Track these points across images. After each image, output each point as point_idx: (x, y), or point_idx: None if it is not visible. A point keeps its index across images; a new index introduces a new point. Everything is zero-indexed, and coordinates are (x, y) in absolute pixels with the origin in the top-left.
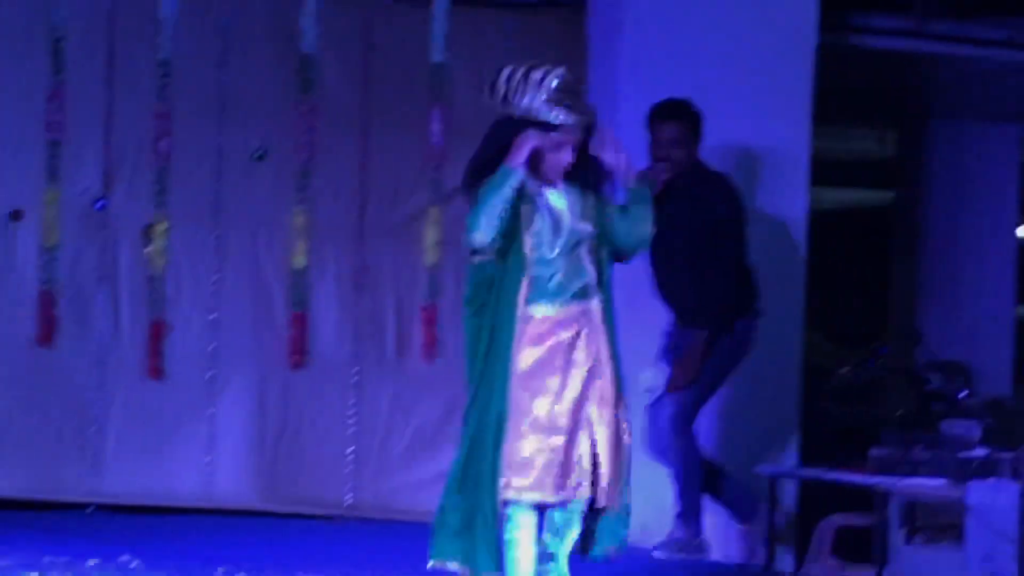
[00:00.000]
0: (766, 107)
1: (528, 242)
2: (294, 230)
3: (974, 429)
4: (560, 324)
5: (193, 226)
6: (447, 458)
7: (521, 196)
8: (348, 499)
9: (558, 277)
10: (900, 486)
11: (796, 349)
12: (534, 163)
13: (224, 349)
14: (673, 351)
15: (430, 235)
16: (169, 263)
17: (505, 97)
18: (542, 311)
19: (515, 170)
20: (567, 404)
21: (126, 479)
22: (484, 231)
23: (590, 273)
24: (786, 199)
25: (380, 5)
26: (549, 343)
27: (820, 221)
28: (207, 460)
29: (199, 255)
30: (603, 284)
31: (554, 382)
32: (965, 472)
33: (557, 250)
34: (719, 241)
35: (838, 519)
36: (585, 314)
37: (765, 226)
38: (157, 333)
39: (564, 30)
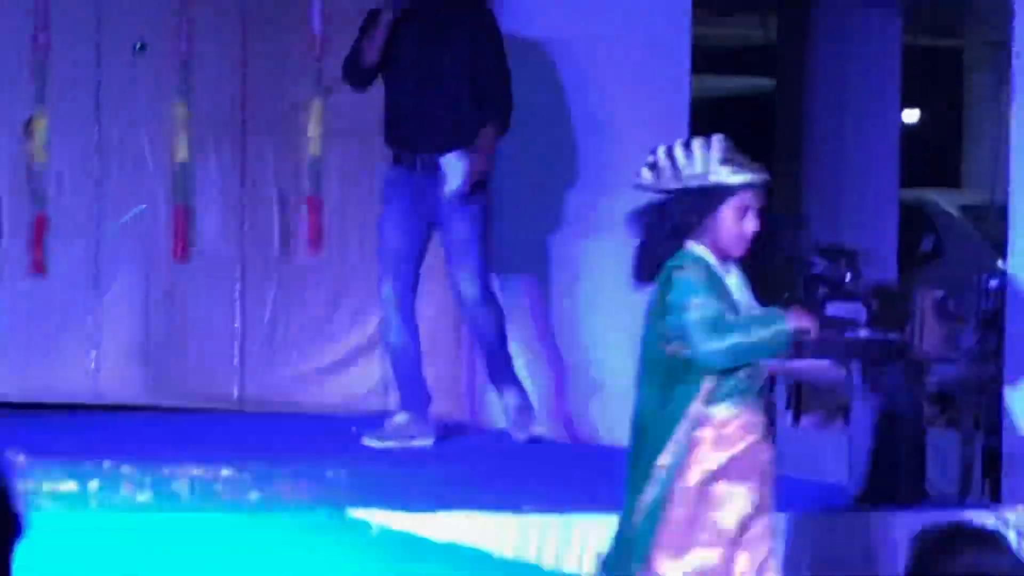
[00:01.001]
0: None
1: None
2: (175, 123)
3: (859, 312)
4: (746, 428)
5: (74, 120)
6: (333, 350)
7: (716, 280)
8: (235, 392)
9: (741, 375)
10: (786, 368)
11: None
12: (710, 232)
13: (107, 244)
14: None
15: (313, 126)
16: (50, 157)
17: (674, 170)
18: (725, 412)
19: (790, 338)
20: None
21: (10, 376)
22: (723, 364)
23: (764, 374)
24: (667, 87)
25: None
26: (736, 448)
27: (703, 109)
28: (92, 355)
29: (80, 149)
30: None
31: (741, 490)
32: (851, 353)
33: None
34: (491, 54)
35: None
36: (763, 421)
37: (647, 115)
38: (39, 228)
39: None
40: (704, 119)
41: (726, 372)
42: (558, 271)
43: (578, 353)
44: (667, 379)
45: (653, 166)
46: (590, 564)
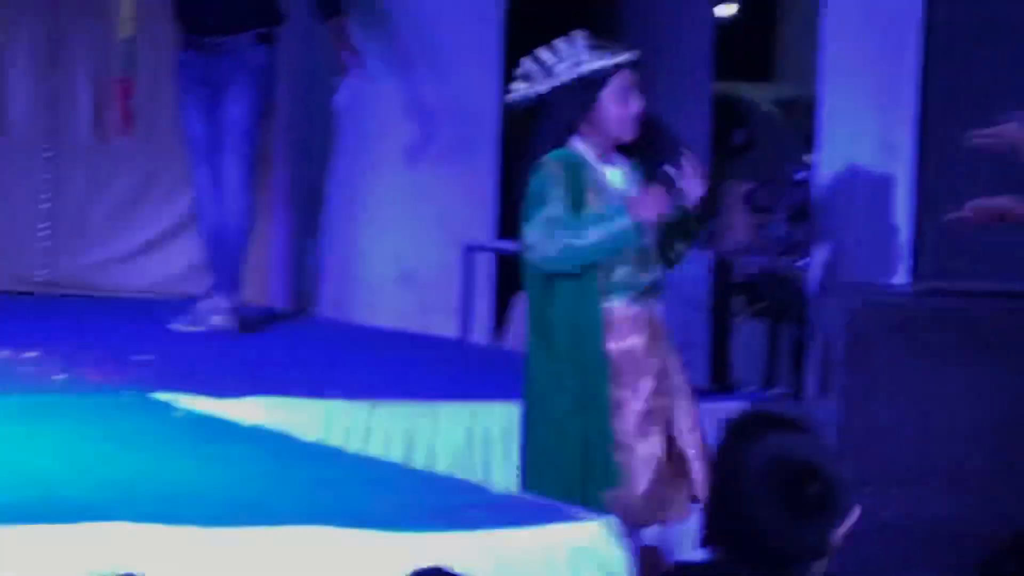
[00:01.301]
0: None
1: None
2: None
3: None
4: (636, 325)
5: None
6: (144, 233)
7: (583, 176)
8: (44, 274)
9: (626, 268)
10: None
11: (493, 122)
12: (597, 124)
13: None
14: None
15: (126, 6)
16: None
17: (544, 71)
18: (616, 305)
19: (638, 230)
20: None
21: None
22: (558, 267)
23: (657, 271)
24: None
25: None
26: (627, 344)
27: (519, 3)
28: None
29: None
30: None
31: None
32: None
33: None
34: None
35: None
36: (655, 319)
37: (458, 7)
38: None
39: None
40: (518, 12)
41: (609, 268)
42: (337, 162)
43: (360, 241)
44: (551, 279)
45: (524, 75)
46: (395, 448)
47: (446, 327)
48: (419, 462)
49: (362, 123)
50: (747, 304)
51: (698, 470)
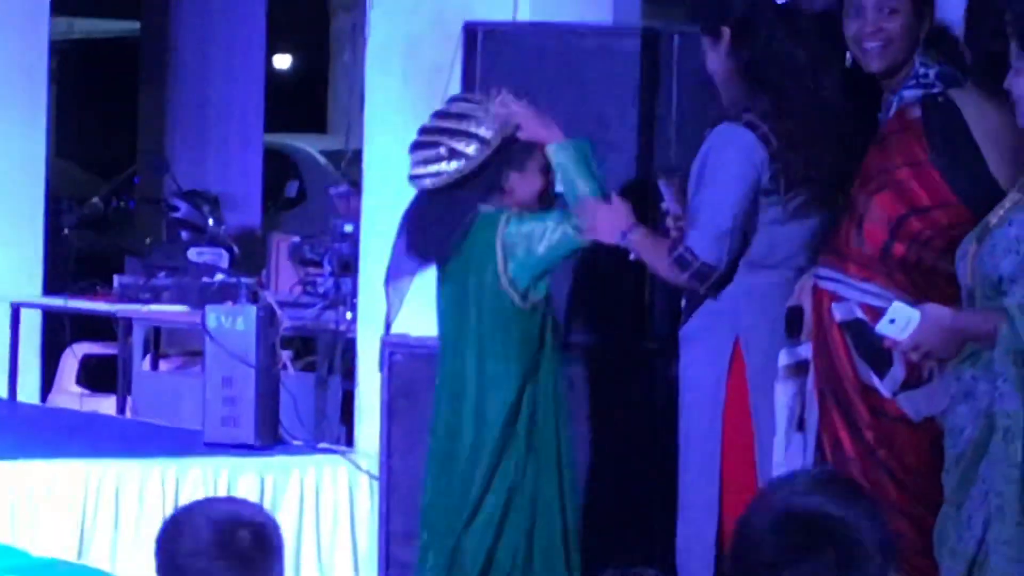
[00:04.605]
0: None
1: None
2: None
3: (221, 257)
4: None
5: None
6: None
7: None
8: None
9: None
10: (142, 313)
11: (39, 177)
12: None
13: None
14: None
15: None
16: None
17: (480, 144)
18: None
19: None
20: None
21: None
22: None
23: None
24: (26, 28)
25: None
26: None
27: (70, 51)
28: None
29: None
30: None
31: None
32: (205, 297)
33: None
34: None
35: (82, 348)
36: None
37: (3, 57)
38: None
39: None
40: (72, 61)
41: None
42: None
43: None
44: (509, 336)
45: (447, 153)
46: None
47: None
48: None
49: None
50: (294, 357)
51: None
